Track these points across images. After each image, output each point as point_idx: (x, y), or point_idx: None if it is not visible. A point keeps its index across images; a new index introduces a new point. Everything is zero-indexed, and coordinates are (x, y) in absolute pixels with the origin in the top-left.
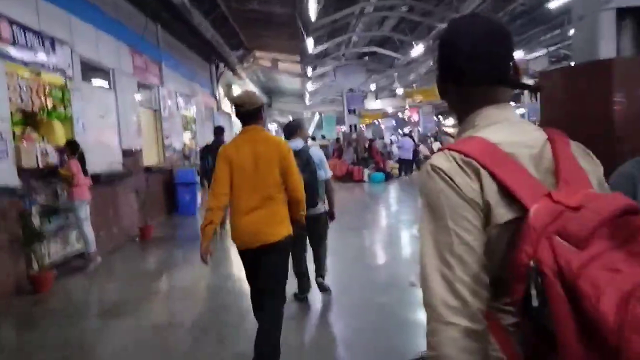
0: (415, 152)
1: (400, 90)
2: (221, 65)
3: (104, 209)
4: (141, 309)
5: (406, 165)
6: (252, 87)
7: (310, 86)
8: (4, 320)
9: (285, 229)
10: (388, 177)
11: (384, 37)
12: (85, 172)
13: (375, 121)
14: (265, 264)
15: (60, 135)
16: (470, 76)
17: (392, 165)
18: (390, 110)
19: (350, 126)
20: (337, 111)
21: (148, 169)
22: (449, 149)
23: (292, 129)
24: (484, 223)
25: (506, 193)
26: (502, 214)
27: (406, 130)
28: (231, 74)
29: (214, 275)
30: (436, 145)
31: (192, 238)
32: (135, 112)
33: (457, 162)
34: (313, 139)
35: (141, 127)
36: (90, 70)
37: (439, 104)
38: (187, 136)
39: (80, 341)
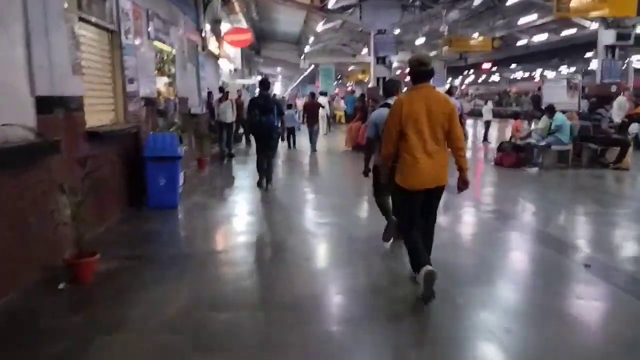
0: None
1: (422, 40)
2: None
3: None
4: None
5: None
6: (243, 25)
7: (320, 27)
8: None
9: (447, 174)
10: None
11: None
12: None
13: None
14: (434, 199)
15: None
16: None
17: None
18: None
19: (378, 79)
20: (336, 63)
21: (94, 135)
22: None
23: (391, 88)
24: None
25: None
26: None
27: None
28: (220, 4)
29: None
30: (487, 109)
31: (184, 264)
32: (68, 27)
33: None
34: (324, 94)
35: (81, 57)
36: None
37: (452, 62)
38: (162, 82)
39: None
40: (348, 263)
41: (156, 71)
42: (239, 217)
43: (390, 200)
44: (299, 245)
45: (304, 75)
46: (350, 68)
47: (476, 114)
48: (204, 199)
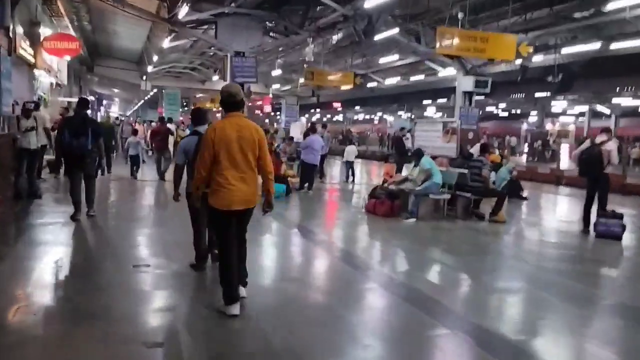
0: (323, 156)
1: (277, 72)
2: None
3: None
4: None
5: (309, 173)
6: (71, 32)
7: (167, 43)
8: None
9: (257, 197)
10: (288, 189)
11: None
12: None
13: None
14: (243, 221)
15: None
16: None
17: (287, 171)
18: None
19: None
20: (183, 88)
21: None
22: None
23: (200, 117)
24: None
25: None
26: None
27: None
28: (39, 3)
29: None
30: (351, 149)
31: None
32: None
33: None
34: (170, 120)
35: None
36: None
37: (304, 99)
38: None
39: None
40: None
41: None
42: (25, 304)
43: (206, 230)
44: None
45: (146, 98)
46: (199, 95)
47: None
48: None
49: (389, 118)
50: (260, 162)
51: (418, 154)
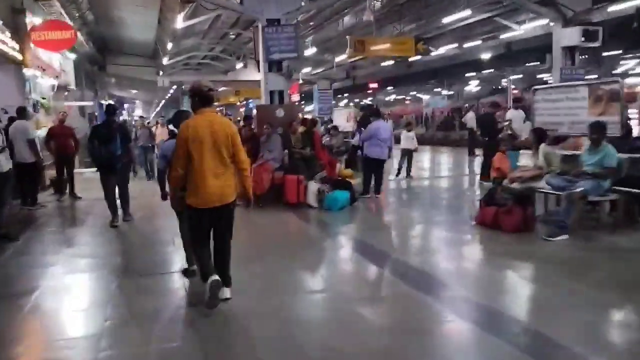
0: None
1: (312, 50)
2: None
3: None
4: None
5: (375, 172)
6: (66, 19)
7: (180, 22)
8: None
9: (234, 192)
10: (353, 196)
11: None
12: None
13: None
14: (224, 217)
15: None
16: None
17: (342, 171)
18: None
19: (272, 95)
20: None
21: None
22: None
23: (180, 119)
24: None
25: None
26: None
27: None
28: None
29: None
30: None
31: None
32: None
33: None
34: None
35: None
36: None
37: (339, 78)
38: None
39: None
40: None
41: None
42: None
43: None
44: None
45: (167, 97)
46: (222, 88)
47: None
48: None
49: (425, 97)
50: (235, 158)
51: (601, 131)
